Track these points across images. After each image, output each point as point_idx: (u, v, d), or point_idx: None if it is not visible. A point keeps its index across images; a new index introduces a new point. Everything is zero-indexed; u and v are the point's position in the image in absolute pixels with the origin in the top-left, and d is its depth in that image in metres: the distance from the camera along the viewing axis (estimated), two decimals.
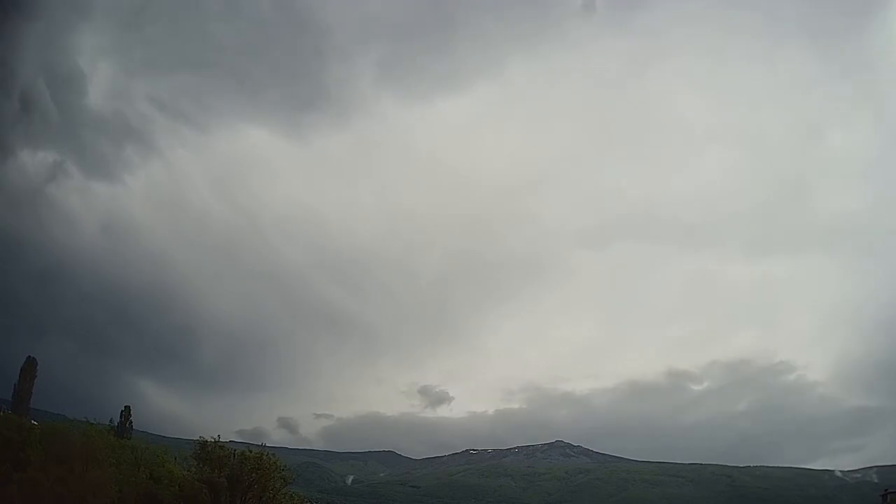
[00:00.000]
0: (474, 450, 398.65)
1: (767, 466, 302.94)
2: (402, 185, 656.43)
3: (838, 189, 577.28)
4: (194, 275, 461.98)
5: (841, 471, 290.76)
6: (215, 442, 52.79)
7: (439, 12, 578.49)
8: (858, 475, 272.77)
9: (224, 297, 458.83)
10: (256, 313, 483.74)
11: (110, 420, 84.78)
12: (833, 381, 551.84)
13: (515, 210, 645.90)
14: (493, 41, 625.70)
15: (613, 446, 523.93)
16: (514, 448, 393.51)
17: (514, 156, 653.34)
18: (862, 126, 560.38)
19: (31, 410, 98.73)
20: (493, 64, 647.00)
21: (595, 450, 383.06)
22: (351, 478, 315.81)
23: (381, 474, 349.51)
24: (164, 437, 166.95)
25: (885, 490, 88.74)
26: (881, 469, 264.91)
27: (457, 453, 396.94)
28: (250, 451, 52.92)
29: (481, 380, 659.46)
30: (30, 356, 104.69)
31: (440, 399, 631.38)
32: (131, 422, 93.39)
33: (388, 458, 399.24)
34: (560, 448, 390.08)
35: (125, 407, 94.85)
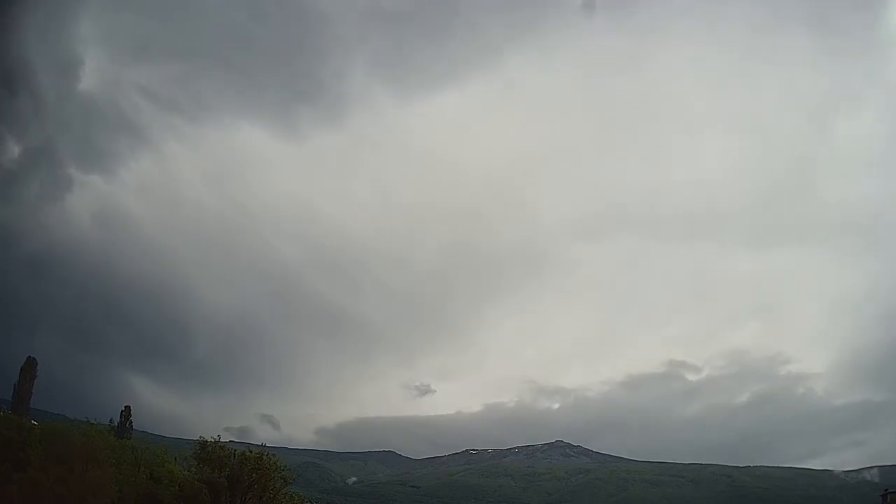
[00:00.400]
0: (474, 450, 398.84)
1: (767, 466, 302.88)
2: (398, 178, 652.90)
3: (843, 179, 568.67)
4: (188, 269, 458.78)
5: (841, 471, 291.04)
6: (215, 442, 52.79)
7: (435, 3, 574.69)
8: (858, 475, 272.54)
9: (218, 292, 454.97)
10: (251, 308, 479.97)
11: (110, 420, 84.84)
12: (836, 375, 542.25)
13: (513, 203, 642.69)
14: (489, 33, 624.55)
15: (612, 443, 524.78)
16: (514, 448, 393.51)
17: (512, 148, 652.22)
18: (868, 115, 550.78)
19: (31, 410, 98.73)
20: (490, 56, 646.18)
21: (595, 450, 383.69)
22: (353, 479, 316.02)
23: (381, 474, 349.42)
24: (164, 437, 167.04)
25: (885, 490, 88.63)
26: (881, 469, 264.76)
27: (457, 453, 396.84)
28: (250, 452, 52.93)
29: (479, 377, 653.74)
30: (30, 356, 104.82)
31: (435, 396, 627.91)
32: (131, 422, 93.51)
33: (388, 458, 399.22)
34: (560, 448, 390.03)
35: (125, 407, 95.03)
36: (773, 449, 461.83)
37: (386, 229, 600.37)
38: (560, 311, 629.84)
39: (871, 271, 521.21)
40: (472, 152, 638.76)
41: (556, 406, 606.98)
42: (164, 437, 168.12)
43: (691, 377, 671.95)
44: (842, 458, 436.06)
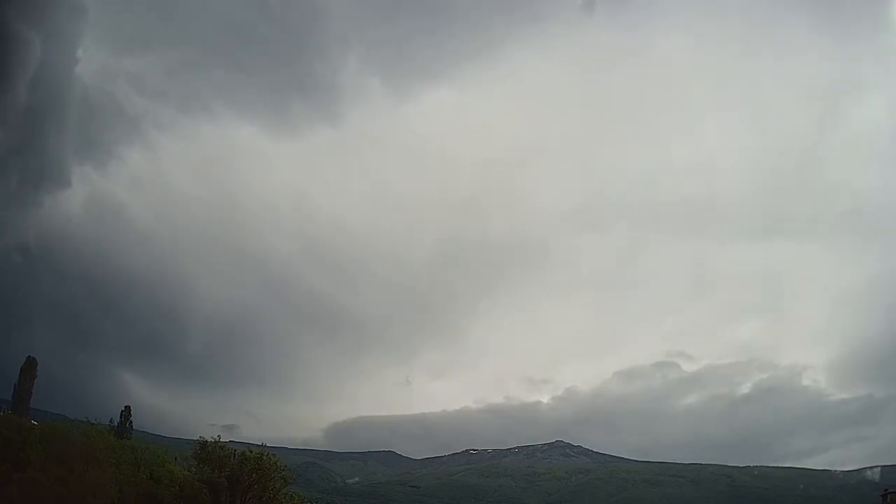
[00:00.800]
0: (474, 450, 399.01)
1: (767, 466, 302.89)
2: (395, 172, 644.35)
3: (848, 169, 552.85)
4: (183, 264, 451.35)
5: (841, 471, 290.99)
6: (215, 442, 52.81)
7: None
8: (858, 475, 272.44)
9: (214, 287, 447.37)
10: (246, 304, 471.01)
11: (110, 420, 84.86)
12: (839, 369, 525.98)
13: (510, 195, 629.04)
14: (485, 25, 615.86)
15: (610, 440, 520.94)
16: (514, 448, 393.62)
17: (507, 138, 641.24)
18: (875, 103, 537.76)
19: (31, 410, 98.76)
20: (486, 48, 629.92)
21: (595, 450, 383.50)
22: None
23: (381, 474, 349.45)
24: (164, 437, 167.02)
25: (885, 490, 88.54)
26: (881, 469, 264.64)
27: (457, 453, 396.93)
28: (251, 452, 52.95)
29: (476, 374, 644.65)
30: (30, 356, 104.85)
31: (432, 394, 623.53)
32: (131, 422, 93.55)
33: (388, 458, 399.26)
34: (560, 448, 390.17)
35: (125, 407, 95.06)
36: (774, 445, 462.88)
37: (382, 223, 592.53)
38: (558, 305, 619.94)
39: (875, 264, 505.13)
40: (469, 145, 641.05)
41: (553, 402, 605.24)
42: (164, 437, 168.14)
43: (690, 372, 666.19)
44: (844, 454, 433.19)
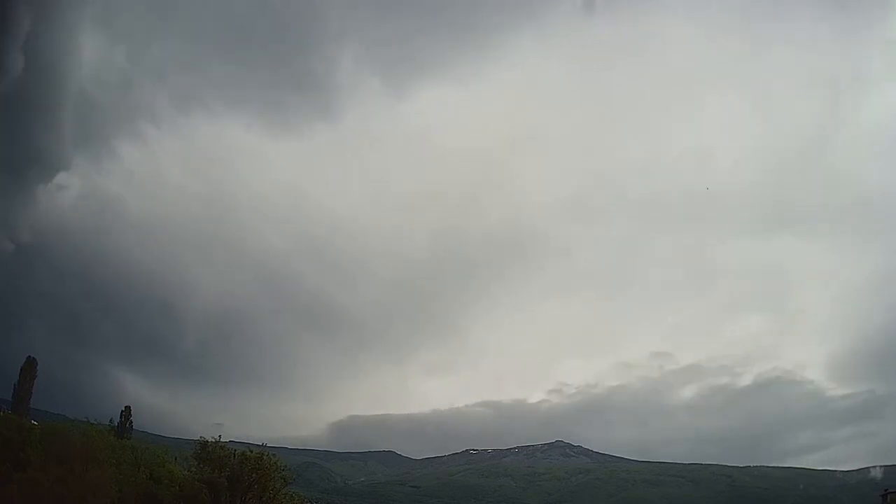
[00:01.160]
0: (474, 450, 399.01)
1: (767, 466, 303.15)
2: (390, 166, 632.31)
3: (852, 162, 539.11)
4: (179, 260, 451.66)
5: (841, 471, 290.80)
6: (215, 442, 52.78)
7: None
8: (858, 475, 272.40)
9: (211, 285, 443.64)
10: (243, 303, 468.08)
11: (110, 420, 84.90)
12: (841, 365, 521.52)
13: (506, 186, 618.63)
14: (481, 17, 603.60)
15: (609, 438, 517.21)
16: (514, 448, 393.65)
17: (504, 131, 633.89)
18: (883, 93, 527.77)
19: (31, 410, 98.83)
20: (483, 40, 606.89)
21: (595, 450, 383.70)
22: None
23: (381, 474, 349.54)
24: (164, 437, 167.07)
25: (885, 490, 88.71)
26: (882, 468, 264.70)
27: (457, 453, 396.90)
28: (251, 452, 52.92)
29: (472, 371, 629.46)
30: (30, 356, 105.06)
31: (429, 392, 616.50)
32: (131, 422, 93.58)
33: (388, 458, 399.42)
34: (560, 448, 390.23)
35: (125, 407, 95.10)
36: (775, 441, 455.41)
37: (381, 220, 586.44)
38: (557, 301, 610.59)
39: (879, 259, 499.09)
40: (466, 139, 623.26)
41: (553, 400, 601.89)
42: (164, 437, 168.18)
43: (690, 368, 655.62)
44: (847, 450, 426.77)
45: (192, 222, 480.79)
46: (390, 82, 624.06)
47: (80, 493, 44.99)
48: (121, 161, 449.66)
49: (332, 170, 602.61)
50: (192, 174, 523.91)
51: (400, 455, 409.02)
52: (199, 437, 53.71)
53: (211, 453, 51.83)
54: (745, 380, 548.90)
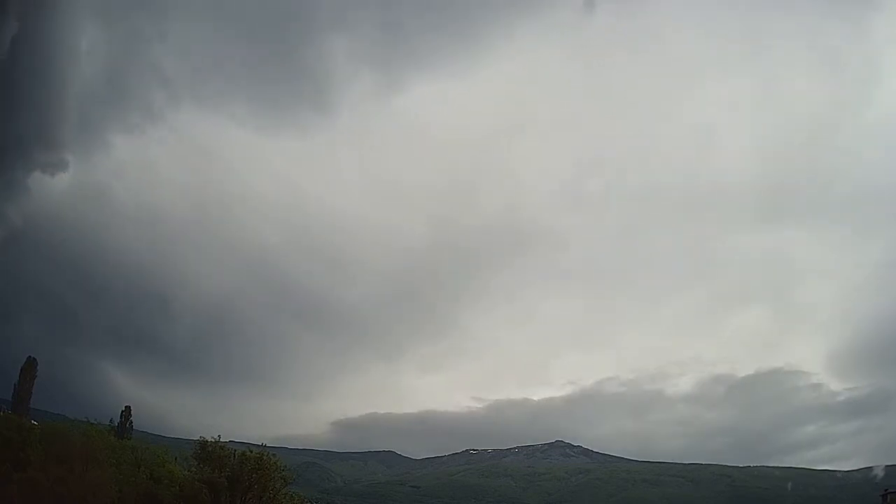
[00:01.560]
0: (474, 450, 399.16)
1: (767, 466, 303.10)
2: (385, 159, 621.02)
3: (861, 152, 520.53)
4: (173, 253, 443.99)
5: (841, 471, 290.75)
6: (215, 442, 52.77)
7: None
8: (858, 475, 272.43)
9: (203, 280, 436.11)
10: (238, 300, 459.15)
11: (110, 420, 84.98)
12: (846, 359, 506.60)
13: (501, 176, 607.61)
14: (475, 4, 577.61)
15: (609, 434, 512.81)
16: (514, 448, 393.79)
17: (499, 118, 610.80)
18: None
19: (31, 410, 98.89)
20: (477, 27, 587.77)
21: (595, 450, 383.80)
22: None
23: (381, 474, 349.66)
24: (164, 437, 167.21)
25: (885, 490, 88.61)
26: (882, 468, 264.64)
27: (457, 453, 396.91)
28: (251, 452, 52.93)
29: (468, 369, 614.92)
30: (30, 356, 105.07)
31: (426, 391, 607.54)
32: (131, 422, 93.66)
33: (388, 458, 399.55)
34: (560, 448, 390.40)
35: (125, 407, 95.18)
36: (777, 435, 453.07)
37: (377, 213, 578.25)
38: (557, 295, 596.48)
39: (884, 250, 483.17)
40: (460, 128, 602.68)
41: (552, 398, 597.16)
42: (164, 437, 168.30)
43: (690, 361, 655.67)
44: (850, 445, 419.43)
45: (186, 216, 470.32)
46: (385, 74, 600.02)
47: (80, 493, 45.01)
48: (113, 154, 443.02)
49: (326, 163, 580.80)
50: (185, 167, 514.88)
51: (400, 455, 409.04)
52: (199, 437, 53.72)
53: (211, 453, 51.83)
54: (746, 373, 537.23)
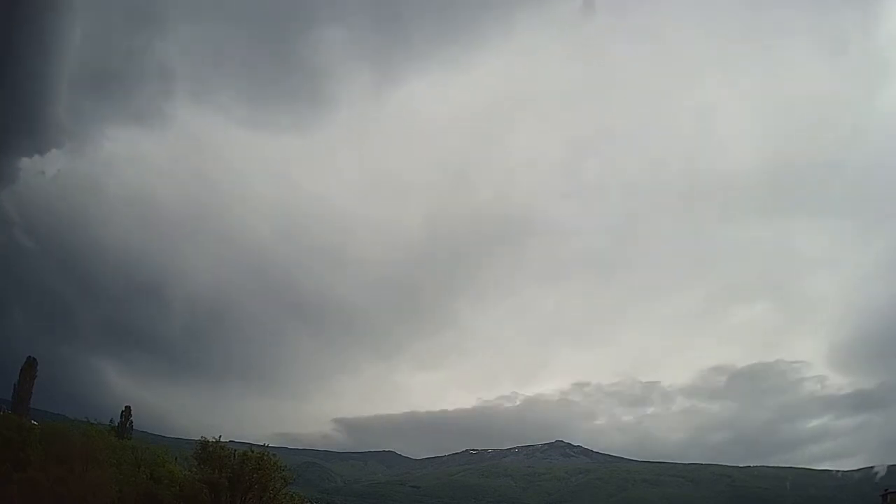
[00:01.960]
0: (474, 450, 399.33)
1: (767, 466, 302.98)
2: (381, 151, 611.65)
3: (868, 144, 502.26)
4: (163, 245, 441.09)
5: (841, 470, 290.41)
6: (216, 442, 52.78)
7: None
8: (859, 475, 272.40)
9: (197, 276, 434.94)
10: (236, 298, 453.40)
11: (110, 420, 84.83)
12: (849, 355, 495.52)
13: (497, 165, 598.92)
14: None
15: (607, 432, 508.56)
16: (514, 448, 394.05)
17: (494, 105, 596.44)
18: None
19: (31, 410, 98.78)
20: (472, 18, 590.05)
21: (595, 450, 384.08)
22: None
23: (381, 474, 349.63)
24: (164, 437, 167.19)
25: (885, 490, 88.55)
26: (882, 468, 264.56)
27: (457, 453, 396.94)
28: (251, 452, 52.95)
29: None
30: (30, 356, 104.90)
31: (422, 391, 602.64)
32: (131, 422, 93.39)
33: (388, 458, 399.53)
34: (560, 448, 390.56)
35: (125, 407, 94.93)
36: (779, 430, 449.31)
37: (373, 208, 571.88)
38: (549, 288, 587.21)
39: (888, 242, 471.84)
40: (455, 118, 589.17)
41: (552, 395, 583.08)
42: (164, 437, 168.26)
43: (691, 354, 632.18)
44: (855, 441, 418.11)
45: (183, 212, 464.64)
46: (381, 68, 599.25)
47: (80, 493, 44.98)
48: (107, 147, 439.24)
49: (322, 158, 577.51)
50: (180, 162, 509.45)
51: (400, 455, 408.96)
52: (199, 438, 53.78)
53: (211, 453, 51.85)
54: (747, 367, 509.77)
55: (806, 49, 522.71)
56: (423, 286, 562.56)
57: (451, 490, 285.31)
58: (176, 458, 61.62)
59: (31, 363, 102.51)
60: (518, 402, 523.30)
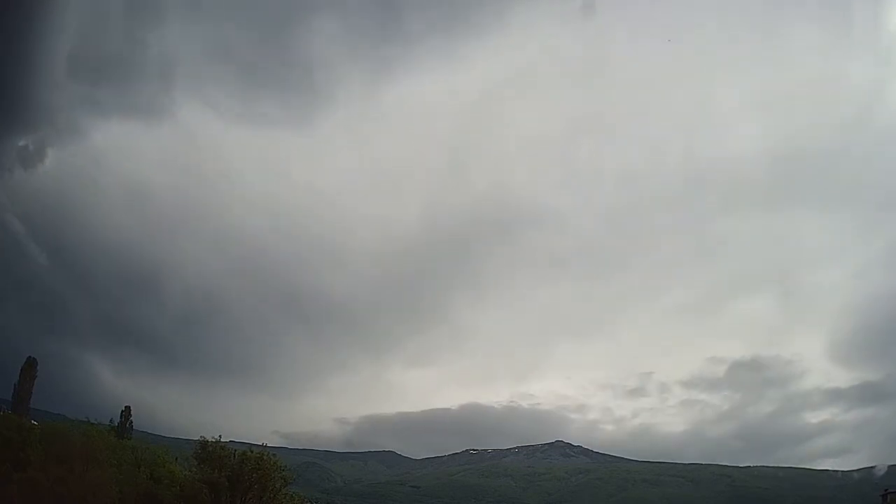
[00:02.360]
0: (474, 450, 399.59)
1: (767, 466, 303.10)
2: (376, 143, 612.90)
3: (875, 128, 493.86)
4: (156, 240, 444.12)
5: (841, 471, 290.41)
6: (216, 442, 52.81)
7: None
8: (859, 475, 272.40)
9: (189, 271, 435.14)
10: (230, 291, 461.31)
11: (110, 420, 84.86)
12: (852, 347, 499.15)
13: (493, 155, 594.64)
14: None
15: (606, 428, 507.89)
16: (514, 448, 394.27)
17: (490, 95, 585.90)
18: None
19: (31, 410, 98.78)
20: (466, 9, 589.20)
21: (595, 450, 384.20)
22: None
23: (381, 474, 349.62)
24: (164, 437, 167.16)
25: (885, 490, 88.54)
26: (882, 468, 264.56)
27: (457, 453, 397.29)
28: (251, 452, 52.98)
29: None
30: (30, 356, 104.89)
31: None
32: (131, 422, 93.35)
33: (388, 458, 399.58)
34: (560, 448, 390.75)
35: (125, 407, 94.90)
36: (780, 424, 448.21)
37: (370, 202, 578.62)
38: (546, 282, 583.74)
39: (890, 236, 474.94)
40: (450, 110, 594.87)
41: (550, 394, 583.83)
42: (164, 437, 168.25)
43: (691, 348, 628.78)
44: (858, 436, 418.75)
45: (177, 205, 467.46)
46: (376, 59, 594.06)
47: (80, 493, 45.01)
48: (93, 140, 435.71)
49: (314, 150, 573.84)
50: (172, 155, 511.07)
51: (400, 455, 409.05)
52: (199, 437, 53.82)
53: (211, 453, 51.88)
54: (747, 361, 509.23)
55: (810, 36, 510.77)
56: (425, 285, 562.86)
57: (451, 490, 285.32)
58: (176, 458, 61.65)
59: (31, 363, 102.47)
60: (515, 397, 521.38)
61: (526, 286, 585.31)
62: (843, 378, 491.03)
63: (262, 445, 55.96)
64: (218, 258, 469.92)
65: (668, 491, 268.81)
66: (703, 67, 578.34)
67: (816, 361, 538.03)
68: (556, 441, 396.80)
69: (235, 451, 52.81)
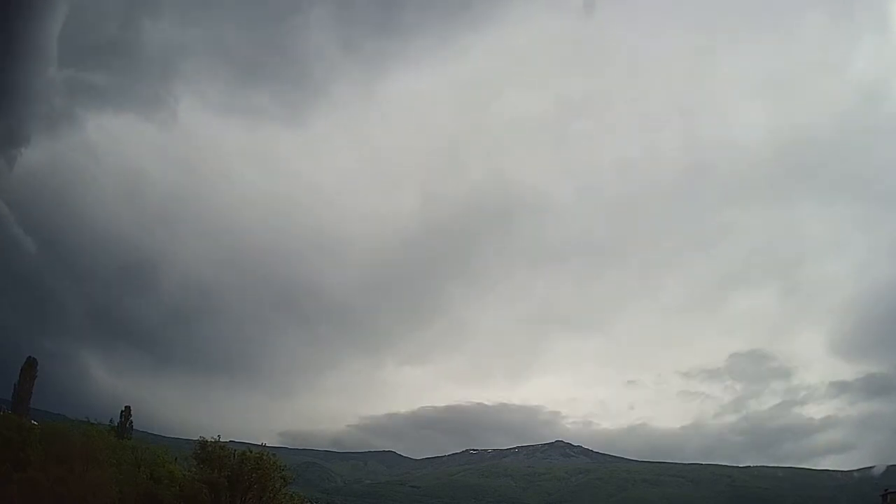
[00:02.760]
0: (474, 450, 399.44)
1: (767, 466, 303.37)
2: (372, 136, 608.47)
3: (879, 117, 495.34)
4: (150, 235, 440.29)
5: (841, 471, 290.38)
6: (215, 442, 52.86)
7: None
8: (859, 475, 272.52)
9: (185, 266, 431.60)
10: (230, 291, 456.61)
11: (110, 420, 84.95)
12: (854, 343, 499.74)
13: (489, 145, 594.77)
14: None
15: (606, 426, 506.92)
16: (514, 448, 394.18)
17: (485, 85, 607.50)
18: None
19: (31, 410, 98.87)
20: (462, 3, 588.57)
21: (595, 450, 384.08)
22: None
23: (381, 474, 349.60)
24: (164, 437, 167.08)
25: (885, 490, 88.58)
26: (882, 468, 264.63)
27: (457, 453, 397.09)
28: (251, 451, 53.03)
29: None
30: (30, 356, 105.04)
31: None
32: (131, 422, 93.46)
33: (388, 458, 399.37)
34: (560, 448, 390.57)
35: (125, 407, 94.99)
36: (782, 419, 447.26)
37: (367, 198, 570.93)
38: (540, 275, 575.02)
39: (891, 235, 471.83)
40: (446, 103, 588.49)
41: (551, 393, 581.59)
42: (164, 437, 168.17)
43: (691, 344, 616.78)
44: (860, 432, 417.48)
45: (167, 195, 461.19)
46: (368, 52, 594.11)
47: (80, 493, 45.04)
48: (84, 134, 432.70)
49: (309, 143, 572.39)
50: (166, 150, 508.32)
51: (400, 455, 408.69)
52: (199, 437, 53.85)
53: (211, 453, 51.92)
54: (748, 356, 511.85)
55: (816, 22, 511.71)
56: (420, 278, 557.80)
57: (451, 490, 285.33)
58: (176, 458, 61.70)
59: (31, 363, 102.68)
60: (513, 393, 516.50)
61: (524, 279, 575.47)
62: (846, 371, 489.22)
63: (261, 445, 56.04)
64: (215, 252, 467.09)
65: (668, 491, 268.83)
66: (704, 54, 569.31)
67: (819, 355, 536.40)
68: (556, 441, 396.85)
69: (235, 450, 52.85)
